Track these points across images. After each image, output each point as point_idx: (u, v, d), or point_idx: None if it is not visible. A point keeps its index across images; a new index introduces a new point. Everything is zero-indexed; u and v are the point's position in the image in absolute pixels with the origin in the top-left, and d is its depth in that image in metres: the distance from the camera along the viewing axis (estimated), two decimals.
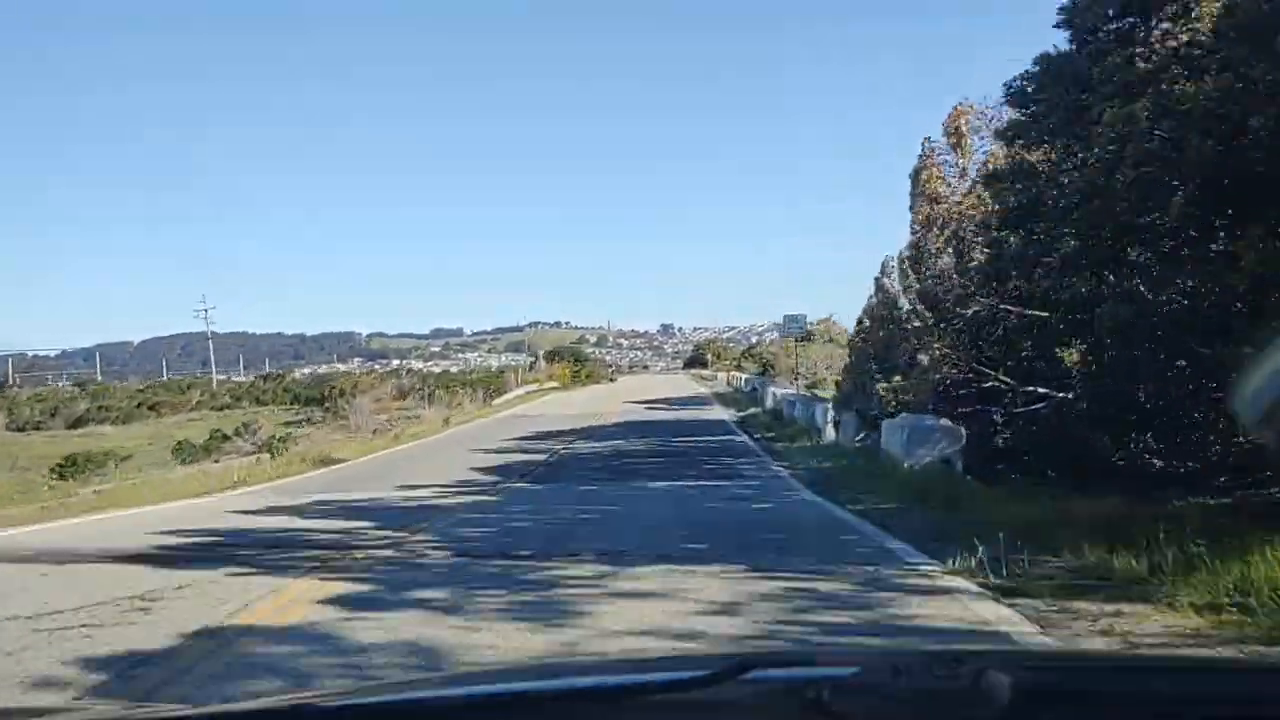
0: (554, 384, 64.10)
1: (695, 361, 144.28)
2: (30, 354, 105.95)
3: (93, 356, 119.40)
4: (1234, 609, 5.04)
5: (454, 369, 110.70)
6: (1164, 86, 8.00)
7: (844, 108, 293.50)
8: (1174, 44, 8.16)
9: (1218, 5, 7.89)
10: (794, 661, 1.60)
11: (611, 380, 78.08)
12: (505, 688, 1.62)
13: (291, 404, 58.77)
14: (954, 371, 13.65)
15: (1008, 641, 4.89)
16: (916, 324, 16.56)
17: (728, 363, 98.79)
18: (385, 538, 9.60)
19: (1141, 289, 9.12)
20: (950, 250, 15.11)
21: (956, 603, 5.88)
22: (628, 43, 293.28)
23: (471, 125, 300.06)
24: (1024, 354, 12.60)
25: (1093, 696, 1.35)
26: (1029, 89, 9.88)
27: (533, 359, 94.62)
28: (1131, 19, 9.07)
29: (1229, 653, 4.51)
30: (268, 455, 26.10)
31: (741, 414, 33.56)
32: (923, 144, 16.67)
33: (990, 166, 13.40)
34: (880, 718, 1.22)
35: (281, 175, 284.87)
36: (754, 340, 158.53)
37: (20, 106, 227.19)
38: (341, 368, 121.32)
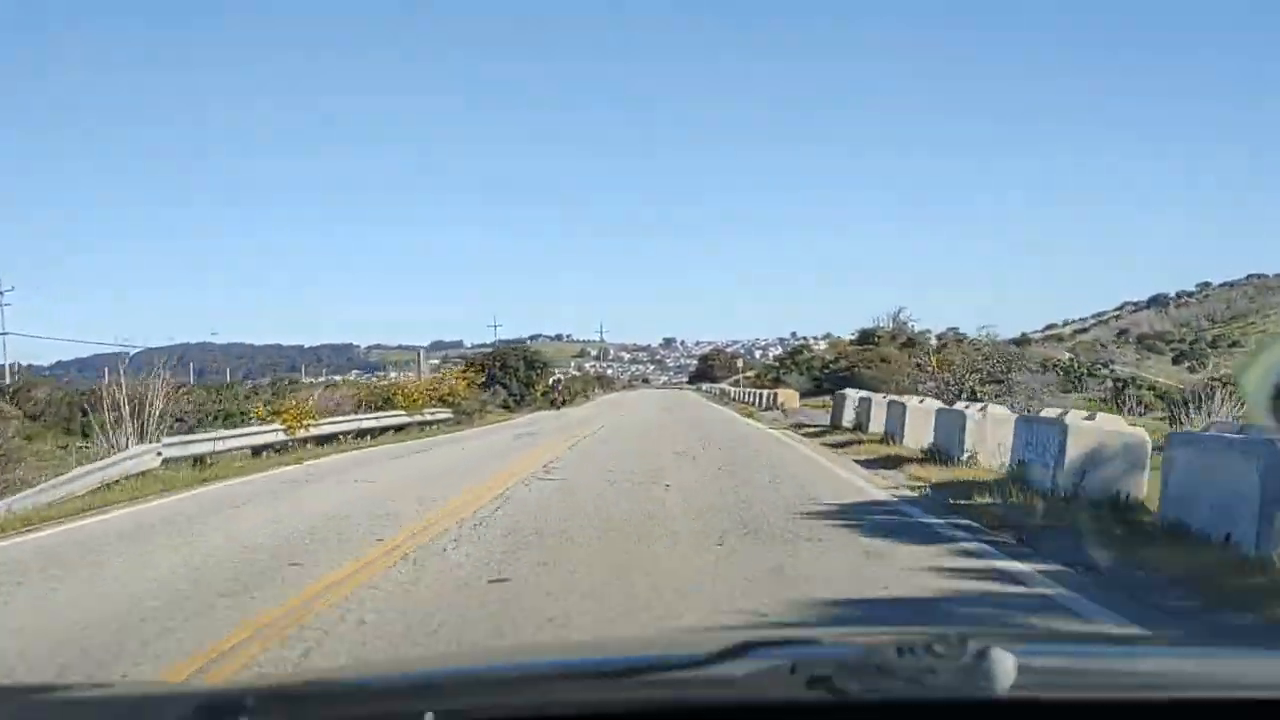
0: (395, 417, 25.99)
1: (702, 375, 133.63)
2: (26, 363, 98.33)
3: (88, 365, 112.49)
4: None
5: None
6: None
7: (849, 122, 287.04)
8: None
9: None
10: (798, 641, 1.50)
11: (556, 404, 42.82)
12: (509, 664, 1.72)
13: None
14: None
15: None
16: None
17: (750, 375, 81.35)
18: None
19: None
20: None
21: None
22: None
23: (475, 137, 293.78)
24: None
25: (1095, 675, 1.38)
26: None
27: (437, 364, 57.56)
28: None
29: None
30: None
31: None
32: None
33: None
34: (883, 695, 1.17)
35: (288, 186, 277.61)
36: (757, 355, 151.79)
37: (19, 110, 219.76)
38: (338, 379, 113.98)
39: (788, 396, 36.48)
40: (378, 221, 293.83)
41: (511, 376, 45.17)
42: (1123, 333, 59.28)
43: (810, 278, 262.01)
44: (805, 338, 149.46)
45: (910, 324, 53.67)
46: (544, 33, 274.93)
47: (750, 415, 31.30)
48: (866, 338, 53.75)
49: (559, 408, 41.79)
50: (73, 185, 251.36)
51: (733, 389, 56.07)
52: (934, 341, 48.91)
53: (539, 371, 48.07)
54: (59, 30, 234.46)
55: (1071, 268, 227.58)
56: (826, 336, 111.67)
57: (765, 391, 41.76)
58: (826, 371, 48.60)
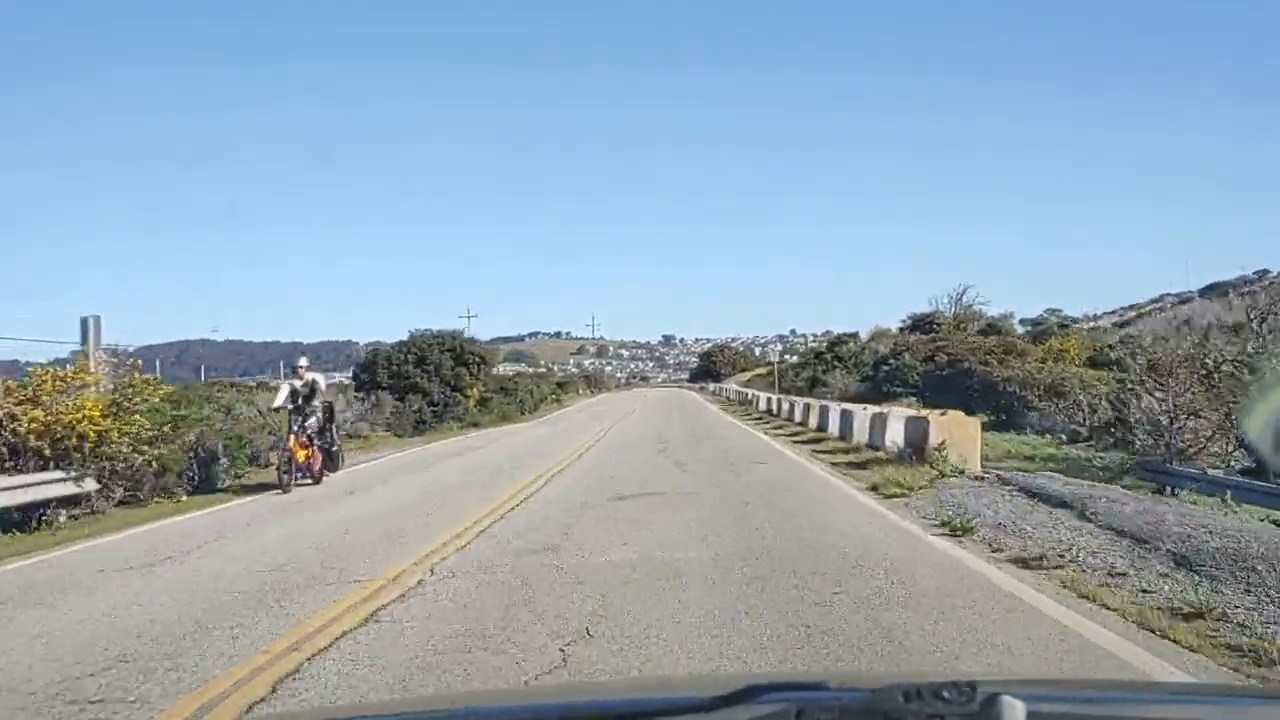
0: None
1: (705, 373, 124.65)
2: (24, 360, 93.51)
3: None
4: None
5: None
6: None
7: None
8: None
9: None
10: (805, 685, 1.46)
11: (284, 480, 13.88)
12: (509, 707, 1.66)
13: None
14: None
15: None
16: None
17: (763, 373, 66.49)
18: None
19: None
20: None
21: None
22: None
23: (475, 137, 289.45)
24: None
25: None
26: None
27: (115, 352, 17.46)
28: None
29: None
30: None
31: None
32: None
33: None
34: None
35: (284, 185, 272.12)
36: (757, 351, 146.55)
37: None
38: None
39: (952, 426, 14.97)
40: (378, 220, 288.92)
41: (432, 378, 31.22)
42: (1185, 322, 54.66)
43: (811, 277, 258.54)
44: (805, 335, 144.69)
45: (979, 306, 45.28)
46: (546, 30, 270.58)
47: (948, 528, 9.14)
48: (922, 324, 47.04)
49: (319, 478, 15.07)
50: (72, 185, 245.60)
51: (763, 395, 39.94)
52: (1019, 328, 43.10)
53: (474, 369, 33.11)
54: (61, 28, 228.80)
55: (1074, 265, 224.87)
56: (826, 334, 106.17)
57: (875, 410, 19.84)
58: (887, 368, 36.14)
